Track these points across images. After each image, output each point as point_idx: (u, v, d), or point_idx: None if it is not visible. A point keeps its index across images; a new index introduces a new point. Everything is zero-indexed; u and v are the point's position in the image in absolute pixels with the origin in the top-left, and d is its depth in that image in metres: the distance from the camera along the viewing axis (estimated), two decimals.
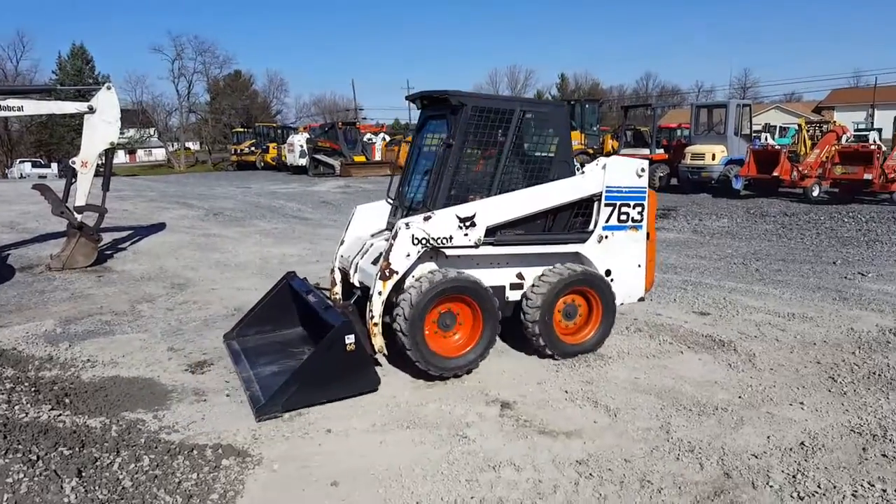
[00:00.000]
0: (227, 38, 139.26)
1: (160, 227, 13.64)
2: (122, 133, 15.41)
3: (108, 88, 9.42)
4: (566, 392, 4.98)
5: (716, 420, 4.48)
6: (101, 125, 9.26)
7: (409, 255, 5.08)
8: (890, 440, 4.09)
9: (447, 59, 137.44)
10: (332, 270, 6.31)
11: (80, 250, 9.44)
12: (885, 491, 3.51)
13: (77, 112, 9.52)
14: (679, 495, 3.57)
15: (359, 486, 3.68)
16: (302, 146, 31.38)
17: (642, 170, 5.93)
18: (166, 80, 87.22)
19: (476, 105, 5.39)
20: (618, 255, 5.92)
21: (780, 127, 36.24)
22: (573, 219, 5.81)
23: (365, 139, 33.52)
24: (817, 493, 3.53)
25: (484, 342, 5.30)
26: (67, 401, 4.74)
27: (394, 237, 5.07)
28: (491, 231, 5.34)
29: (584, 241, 5.77)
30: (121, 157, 59.67)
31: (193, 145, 66.58)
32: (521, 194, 5.47)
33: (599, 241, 5.80)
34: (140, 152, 67.20)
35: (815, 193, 17.97)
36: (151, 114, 57.75)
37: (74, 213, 9.38)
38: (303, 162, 31.13)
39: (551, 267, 5.65)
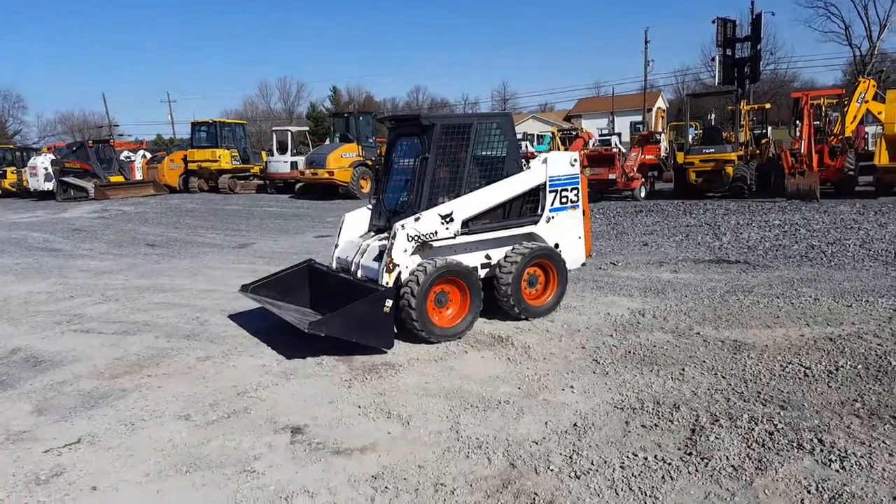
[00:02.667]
0: None
1: None
2: None
3: None
4: (359, 407, 4.90)
5: (499, 413, 4.70)
6: None
7: (406, 251, 6.12)
8: (646, 411, 4.62)
9: (212, 70, 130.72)
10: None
11: None
12: (646, 458, 3.93)
13: None
14: (471, 493, 3.66)
15: None
16: (47, 169, 27.69)
17: (574, 160, 7.30)
18: None
19: (444, 123, 6.47)
20: (562, 230, 7.22)
21: (538, 135, 40.09)
22: (525, 205, 6.99)
23: (122, 157, 30.46)
24: (591, 469, 3.84)
25: (472, 314, 6.41)
26: None
27: (393, 237, 6.08)
28: (465, 223, 6.46)
29: (536, 222, 7.00)
30: None
31: None
32: (485, 191, 6.59)
33: (548, 222, 7.08)
34: None
35: None
36: None
37: None
38: (49, 186, 27.47)
39: (517, 245, 6.81)
